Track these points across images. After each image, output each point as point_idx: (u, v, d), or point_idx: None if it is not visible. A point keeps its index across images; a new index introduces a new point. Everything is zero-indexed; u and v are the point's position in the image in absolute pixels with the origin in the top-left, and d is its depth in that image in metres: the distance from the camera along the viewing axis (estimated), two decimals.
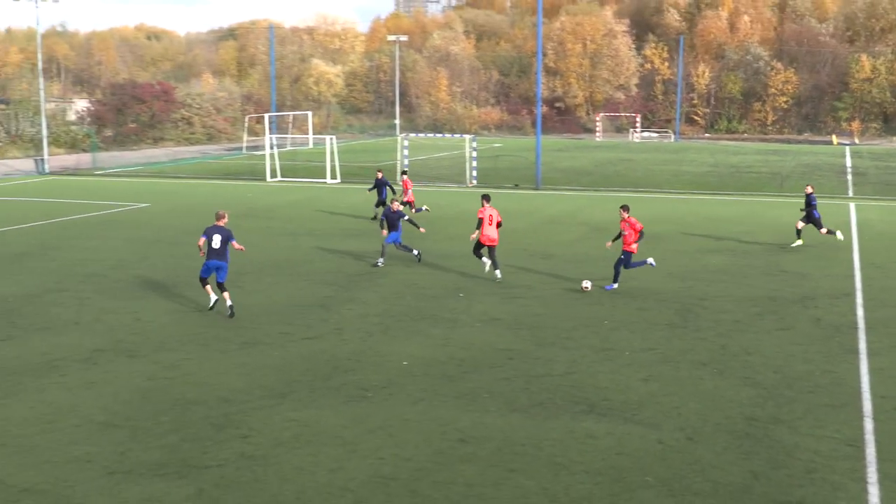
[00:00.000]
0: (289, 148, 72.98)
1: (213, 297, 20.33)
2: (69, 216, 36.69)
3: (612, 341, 18.15)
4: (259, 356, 17.02)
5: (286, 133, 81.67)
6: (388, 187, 34.53)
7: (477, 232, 23.69)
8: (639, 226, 22.48)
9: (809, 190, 29.98)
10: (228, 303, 20.08)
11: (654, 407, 14.37)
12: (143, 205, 40.26)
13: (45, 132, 62.75)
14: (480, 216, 23.70)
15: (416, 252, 26.21)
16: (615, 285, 22.81)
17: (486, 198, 24.19)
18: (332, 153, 51.49)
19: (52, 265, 26.06)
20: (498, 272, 23.87)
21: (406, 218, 25.93)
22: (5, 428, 13.36)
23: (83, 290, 22.70)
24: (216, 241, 19.95)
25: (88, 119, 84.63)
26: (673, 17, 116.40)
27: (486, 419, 13.78)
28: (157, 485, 11.49)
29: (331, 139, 53.25)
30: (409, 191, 34.55)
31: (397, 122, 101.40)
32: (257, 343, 17.91)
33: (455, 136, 63.65)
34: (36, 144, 69.59)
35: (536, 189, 47.55)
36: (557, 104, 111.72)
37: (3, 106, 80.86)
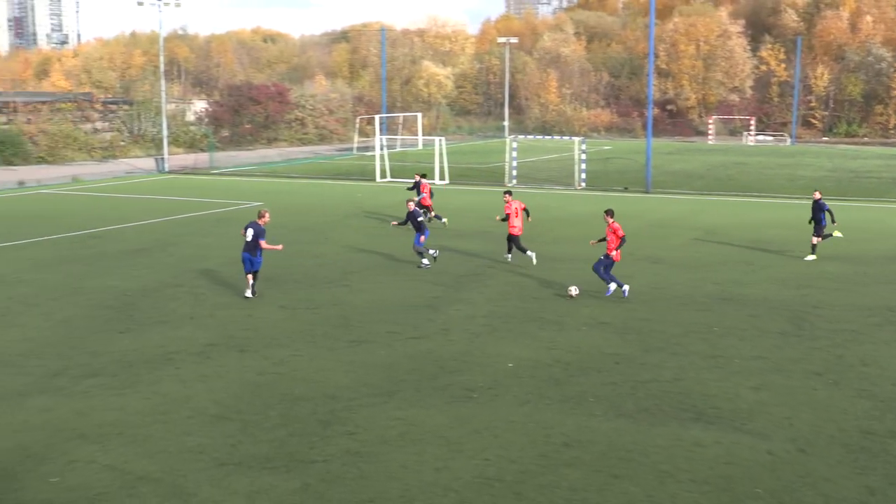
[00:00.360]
0: (398, 149, 73.66)
1: (249, 293, 21.86)
2: (186, 214, 37.75)
3: (721, 348, 17.75)
4: (366, 354, 17.20)
5: (396, 134, 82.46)
6: (417, 189, 34.90)
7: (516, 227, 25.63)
8: (620, 233, 21.72)
9: (818, 196, 28.35)
10: (248, 293, 21.88)
11: (765, 417, 13.99)
12: (257, 203, 41.11)
13: (165, 132, 64.77)
14: (508, 211, 25.60)
15: (425, 261, 25.75)
16: (613, 286, 21.90)
17: (509, 193, 26.27)
18: (440, 154, 51.74)
19: (169, 261, 26.85)
20: (532, 255, 25.81)
21: (419, 218, 25.86)
22: (123, 418, 13.82)
23: (198, 286, 23.32)
24: (248, 234, 21.64)
25: (206, 119, 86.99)
26: (790, 18, 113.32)
27: (591, 423, 13.64)
28: (264, 478, 11.71)
29: (440, 140, 53.52)
30: (426, 193, 34.09)
31: (506, 123, 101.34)
32: (364, 341, 18.11)
33: (564, 138, 63.27)
34: (157, 144, 71.86)
35: (646, 192, 46.88)
36: (669, 106, 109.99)
37: (126, 107, 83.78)
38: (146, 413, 14.03)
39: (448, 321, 19.72)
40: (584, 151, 49.62)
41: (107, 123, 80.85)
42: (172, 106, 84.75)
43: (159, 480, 11.64)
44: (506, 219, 26.00)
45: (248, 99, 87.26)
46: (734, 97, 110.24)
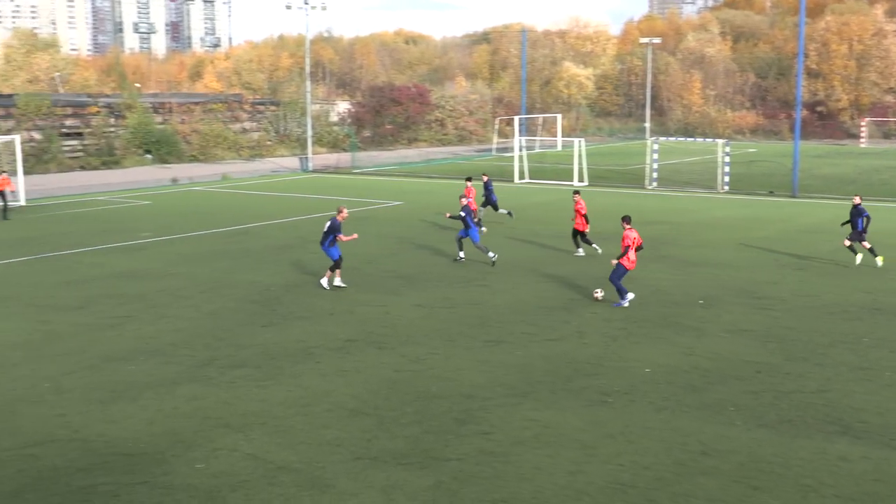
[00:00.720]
0: (537, 150, 73.46)
1: (326, 282, 23.00)
2: (328, 212, 38.59)
3: (871, 360, 17.04)
4: (502, 355, 17.24)
5: (535, 135, 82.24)
6: (490, 195, 34.51)
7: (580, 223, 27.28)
8: (626, 242, 20.99)
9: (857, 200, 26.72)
10: (324, 282, 22.99)
11: None
12: (396, 203, 41.73)
13: (309, 132, 66.40)
14: (579, 209, 27.31)
15: (461, 256, 26.85)
16: (629, 295, 21.25)
17: (577, 192, 28.01)
18: (580, 156, 51.37)
19: (311, 257, 27.51)
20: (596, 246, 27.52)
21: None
22: (266, 408, 14.25)
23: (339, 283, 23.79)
24: (325, 226, 23.06)
25: (349, 120, 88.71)
26: None
27: (730, 433, 13.31)
28: (399, 473, 11.88)
29: (579, 142, 53.12)
30: (471, 198, 33.21)
31: (647, 125, 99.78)
32: (501, 342, 18.15)
33: (707, 140, 61.84)
34: (301, 144, 73.71)
35: (793, 196, 45.38)
36: (819, 108, 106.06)
37: (273, 107, 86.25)
38: (288, 405, 14.43)
39: (584, 324, 19.57)
40: (727, 154, 48.40)
41: (255, 123, 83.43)
42: (317, 107, 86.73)
43: (298, 471, 11.95)
44: (574, 217, 27.56)
45: (390, 100, 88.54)
46: (890, 98, 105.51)
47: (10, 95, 75.17)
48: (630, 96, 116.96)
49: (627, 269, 21.22)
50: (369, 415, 13.99)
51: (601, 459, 12.34)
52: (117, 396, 14.83)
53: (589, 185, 50.00)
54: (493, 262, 26.02)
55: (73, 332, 18.95)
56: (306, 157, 63.88)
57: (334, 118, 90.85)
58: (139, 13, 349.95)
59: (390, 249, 29.11)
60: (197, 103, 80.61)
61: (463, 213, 26.24)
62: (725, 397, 14.85)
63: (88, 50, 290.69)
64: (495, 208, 34.59)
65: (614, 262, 21.30)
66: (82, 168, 63.65)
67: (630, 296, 21.32)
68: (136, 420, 13.78)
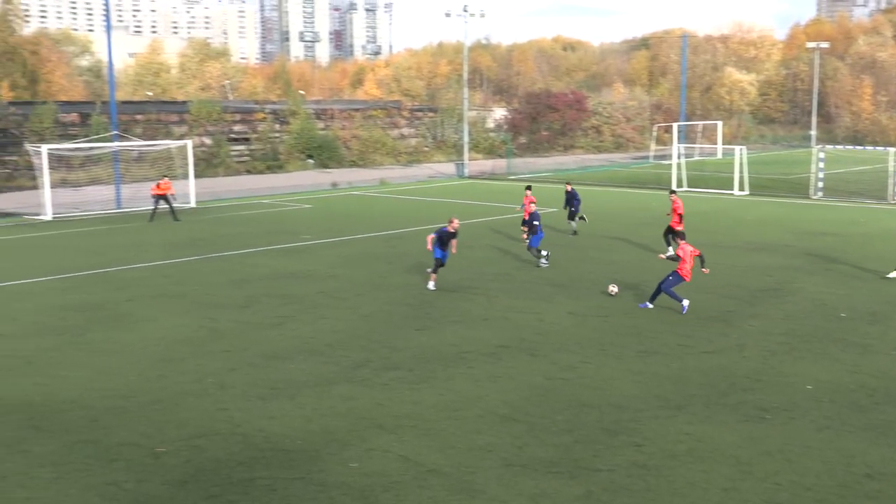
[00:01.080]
0: (696, 158, 71.85)
1: (432, 285, 23.70)
2: (483, 217, 38.82)
3: None
4: (656, 366, 16.91)
5: (694, 143, 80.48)
6: (577, 201, 33.74)
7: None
8: (679, 253, 21.35)
9: None
10: (430, 284, 23.73)
11: None
12: (551, 210, 41.55)
13: (466, 138, 66.96)
14: (676, 208, 28.46)
15: (544, 260, 26.99)
16: (686, 303, 21.06)
17: (674, 192, 29.63)
18: (741, 164, 49.93)
19: (465, 263, 27.66)
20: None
21: (535, 221, 27.17)
22: (418, 411, 14.41)
23: (492, 288, 23.90)
24: (430, 238, 23.86)
25: (505, 126, 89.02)
26: None
27: None
28: (549, 482, 11.80)
29: (740, 150, 51.64)
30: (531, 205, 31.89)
31: (813, 132, 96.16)
32: (655, 352, 17.81)
33: (877, 148, 59.07)
34: (458, 150, 74.42)
35: None
36: None
37: (431, 114, 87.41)
38: (440, 408, 14.55)
39: (742, 336, 18.99)
40: None
41: (412, 130, 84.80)
42: (474, 113, 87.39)
43: (448, 475, 12.03)
44: (671, 215, 28.69)
45: (546, 106, 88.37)
46: None
47: (183, 102, 78.90)
48: (795, 103, 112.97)
49: (682, 278, 21.24)
50: (520, 421, 13.96)
51: (757, 477, 11.93)
52: (277, 393, 15.30)
53: (750, 195, 48.54)
54: (541, 265, 26.83)
55: (236, 330, 19.68)
56: (462, 163, 64.45)
57: (491, 124, 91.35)
58: (305, 23, 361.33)
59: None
60: (357, 110, 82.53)
61: (534, 221, 26.96)
62: (894, 418, 14.12)
63: (257, 58, 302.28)
64: (571, 217, 34.07)
65: (684, 273, 21.26)
66: (248, 172, 66.14)
67: (649, 305, 21.51)
68: (294, 417, 14.18)
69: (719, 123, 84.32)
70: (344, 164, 71.47)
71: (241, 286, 24.47)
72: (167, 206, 38.89)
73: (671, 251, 27.36)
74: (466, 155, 65.65)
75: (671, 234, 28.01)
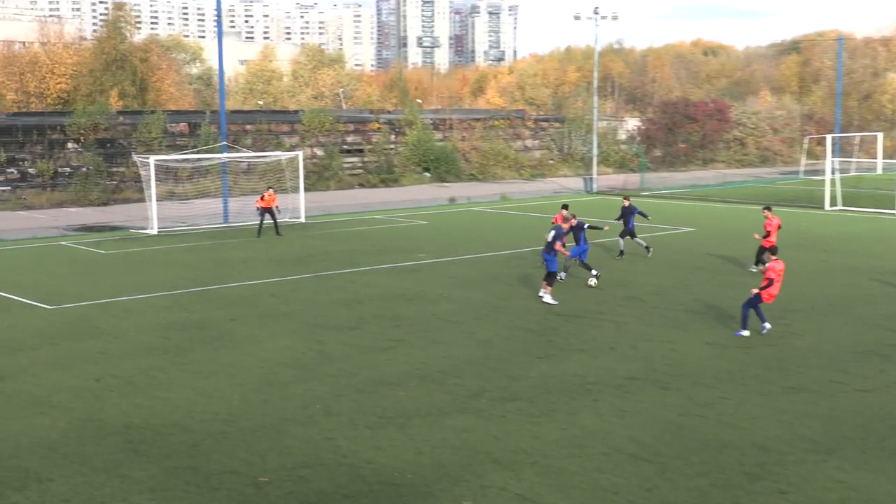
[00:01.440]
0: (853, 173, 69.72)
1: (549, 298, 24.61)
2: (612, 237, 38.41)
3: None
4: (804, 404, 16.37)
5: (851, 156, 78.08)
6: (635, 215, 32.89)
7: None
8: (769, 275, 21.26)
9: None
10: (543, 294, 24.81)
11: None
12: (688, 229, 40.88)
13: (595, 150, 66.57)
14: (769, 228, 28.98)
15: (594, 274, 27.50)
16: (744, 332, 21.13)
17: (768, 209, 29.90)
18: None
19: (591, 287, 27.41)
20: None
21: (586, 226, 28.17)
22: (538, 446, 14.28)
23: (621, 314, 23.60)
24: (549, 235, 25.16)
25: (638, 138, 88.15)
26: None
27: None
28: None
29: None
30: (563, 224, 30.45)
31: None
32: (803, 389, 17.25)
33: None
34: (586, 163, 74.01)
35: None
36: None
37: (557, 124, 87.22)
38: (561, 444, 14.39)
39: None
40: None
41: (537, 141, 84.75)
42: (604, 123, 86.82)
43: None
44: (766, 235, 28.78)
45: (684, 116, 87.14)
46: None
47: (295, 111, 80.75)
48: None
49: (763, 301, 21.17)
50: (650, 461, 13.68)
51: None
52: (386, 423, 15.39)
53: None
54: (562, 277, 27.79)
55: (344, 353, 19.91)
56: (591, 178, 64.05)
57: (622, 136, 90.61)
58: (423, 27, 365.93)
59: (680, 280, 28.52)
60: (478, 119, 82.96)
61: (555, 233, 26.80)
62: None
63: (372, 65, 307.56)
64: (632, 236, 33.20)
65: (755, 291, 21.38)
66: (361, 185, 67.19)
67: (745, 332, 21.20)
68: (404, 449, 14.22)
69: (880, 135, 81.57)
70: (462, 177, 71.88)
71: (351, 306, 24.77)
72: (271, 220, 39.70)
73: (754, 269, 28.68)
74: (595, 169, 65.20)
75: (768, 252, 27.70)
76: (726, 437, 14.71)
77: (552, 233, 25.23)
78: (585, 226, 28.19)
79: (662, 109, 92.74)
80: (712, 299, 25.37)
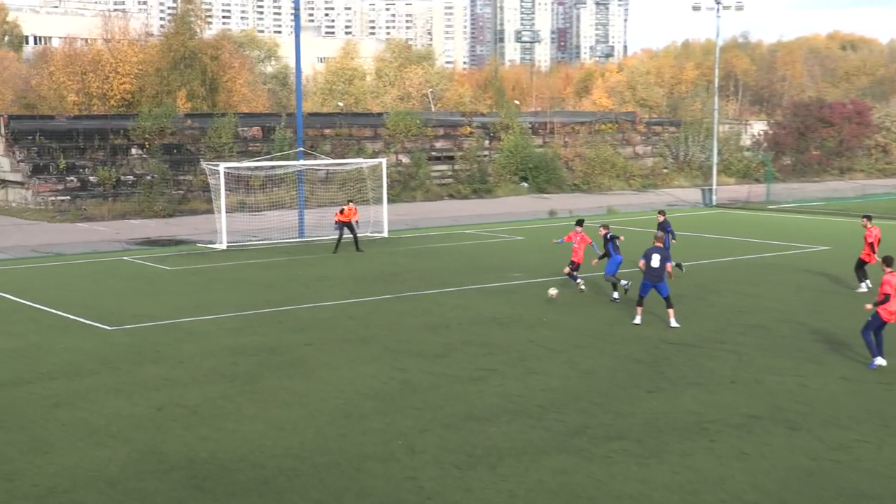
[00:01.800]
0: None
1: (638, 319, 25.37)
2: (732, 256, 37.96)
3: None
4: None
5: None
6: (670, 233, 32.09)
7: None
8: (886, 289, 20.83)
9: None
10: (672, 321, 25.01)
11: None
12: (822, 248, 40.16)
13: (714, 158, 65.87)
14: (867, 235, 30.13)
15: (623, 283, 28.87)
16: (879, 361, 21.03)
17: (868, 218, 30.89)
18: None
19: (710, 311, 27.10)
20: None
21: (614, 237, 29.37)
22: (646, 492, 14.15)
23: (743, 344, 23.28)
24: (655, 260, 25.10)
25: (764, 144, 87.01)
26: None
27: None
28: None
29: None
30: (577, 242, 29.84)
31: None
32: None
33: None
34: (704, 172, 73.35)
35: None
36: None
37: (672, 129, 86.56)
38: (672, 489, 14.24)
39: None
40: None
41: (649, 147, 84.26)
42: (726, 127, 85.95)
43: None
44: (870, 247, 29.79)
45: (818, 119, 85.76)
46: None
47: (379, 114, 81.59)
48: None
49: (884, 322, 20.81)
50: None
51: None
52: (475, 462, 15.40)
53: None
54: (618, 298, 28.82)
55: (430, 384, 19.99)
56: (710, 189, 63.36)
57: (747, 142, 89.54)
58: (522, 20, 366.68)
59: (812, 305, 28.05)
60: (582, 123, 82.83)
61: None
62: None
63: (464, 62, 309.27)
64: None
65: (868, 306, 21.33)
66: (451, 196, 67.52)
67: (879, 361, 21.00)
68: (495, 492, 14.21)
69: None
70: (564, 188, 71.78)
71: (438, 331, 24.87)
72: (350, 234, 40.06)
73: (863, 287, 28.89)
74: (715, 179, 64.51)
75: (864, 268, 28.47)
76: (864, 485, 14.42)
77: (656, 256, 25.23)
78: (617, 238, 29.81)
79: (793, 112, 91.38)
80: (849, 328, 24.84)
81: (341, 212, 40.39)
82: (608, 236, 29.54)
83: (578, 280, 30.14)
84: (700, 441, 16.39)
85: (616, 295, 28.96)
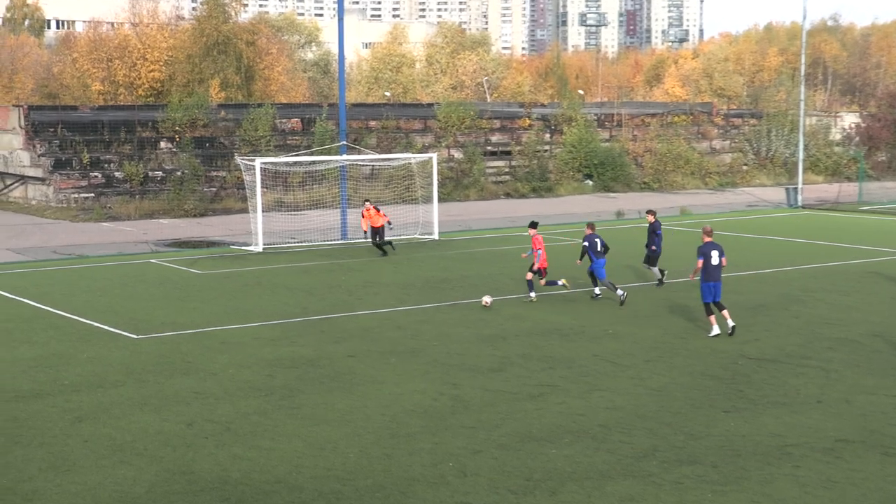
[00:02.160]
0: None
1: (716, 330, 25.12)
2: (821, 262, 37.61)
3: None
4: None
5: None
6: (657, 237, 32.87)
7: None
8: None
9: None
10: (730, 322, 25.22)
11: None
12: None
13: (801, 154, 65.27)
14: None
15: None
16: None
17: None
18: None
19: (795, 323, 26.88)
20: None
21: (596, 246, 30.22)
22: None
23: (831, 360, 23.08)
24: (715, 258, 25.18)
25: (856, 139, 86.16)
26: None
27: None
28: None
29: None
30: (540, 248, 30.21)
31: None
32: None
33: None
34: (789, 169, 72.81)
35: None
36: None
37: (753, 121, 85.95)
38: None
39: None
40: None
41: (727, 142, 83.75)
42: (813, 120, 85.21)
43: None
44: None
45: None
46: None
47: (429, 105, 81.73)
48: None
49: None
50: None
51: None
52: (532, 487, 15.39)
53: None
54: (623, 301, 29.59)
55: (484, 401, 20.00)
56: (795, 188, 62.84)
57: (837, 136, 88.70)
58: (587, 2, 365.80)
59: None
60: (653, 115, 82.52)
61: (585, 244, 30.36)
62: None
63: (523, 48, 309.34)
64: (648, 262, 33.31)
65: None
66: (507, 195, 67.54)
67: None
68: None
69: None
70: (633, 186, 71.57)
71: (493, 343, 24.88)
72: (378, 240, 39.59)
73: None
74: (801, 177, 63.93)
75: None
76: None
77: (715, 253, 25.25)
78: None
79: (888, 102, 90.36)
80: None
81: (364, 215, 39.81)
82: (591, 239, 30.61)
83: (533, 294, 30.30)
84: (782, 467, 16.28)
85: (597, 291, 30.82)
